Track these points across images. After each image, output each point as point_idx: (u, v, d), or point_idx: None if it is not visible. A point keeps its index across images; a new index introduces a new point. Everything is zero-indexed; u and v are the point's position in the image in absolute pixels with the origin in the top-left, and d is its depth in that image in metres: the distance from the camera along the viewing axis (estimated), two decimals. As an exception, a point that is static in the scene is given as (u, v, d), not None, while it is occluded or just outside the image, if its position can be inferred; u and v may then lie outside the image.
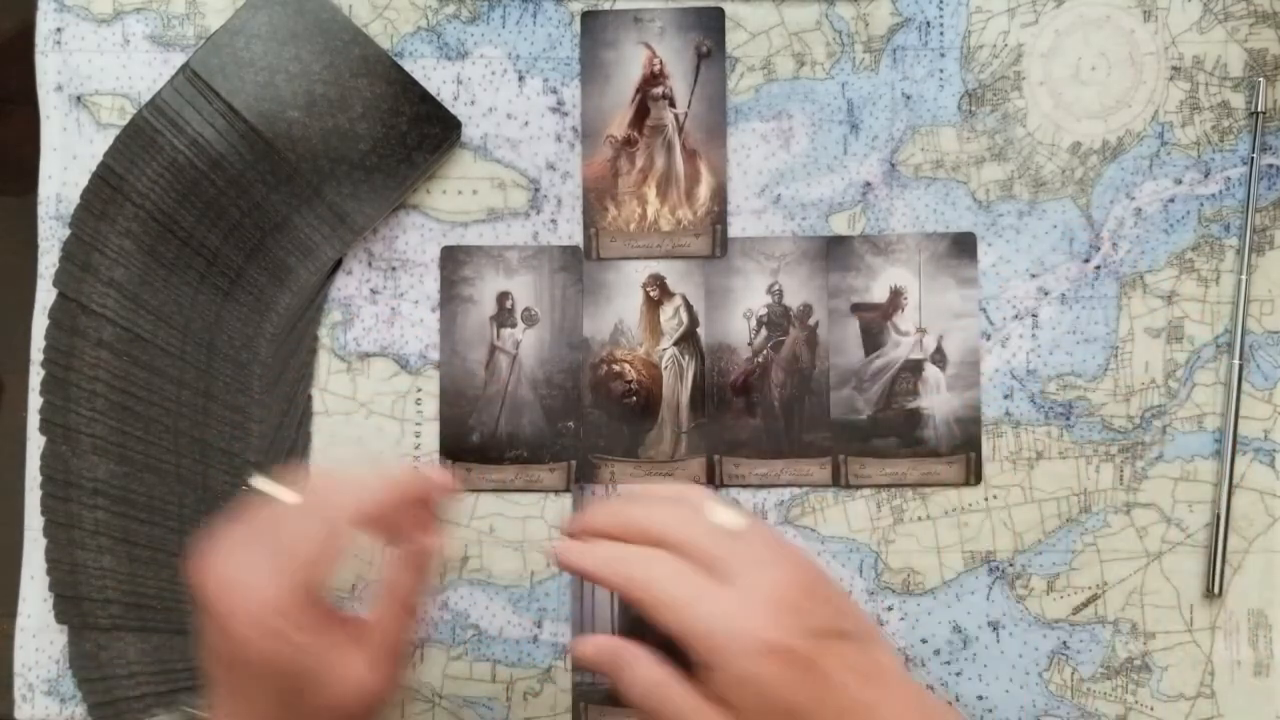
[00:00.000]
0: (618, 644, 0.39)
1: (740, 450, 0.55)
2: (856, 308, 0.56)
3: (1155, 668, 0.55)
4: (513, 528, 0.56)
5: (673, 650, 0.38)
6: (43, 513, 0.55)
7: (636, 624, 0.55)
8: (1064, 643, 0.55)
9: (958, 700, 0.55)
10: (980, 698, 0.55)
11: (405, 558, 0.43)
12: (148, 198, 0.55)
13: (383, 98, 0.55)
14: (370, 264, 0.56)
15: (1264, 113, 0.55)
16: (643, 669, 0.38)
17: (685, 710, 0.36)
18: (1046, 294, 0.55)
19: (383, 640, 0.42)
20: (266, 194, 0.55)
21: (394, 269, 0.56)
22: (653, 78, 0.56)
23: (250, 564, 0.39)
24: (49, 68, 0.56)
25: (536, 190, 0.56)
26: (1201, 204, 0.55)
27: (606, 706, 0.55)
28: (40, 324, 0.55)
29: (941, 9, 0.56)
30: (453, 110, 0.56)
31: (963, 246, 0.55)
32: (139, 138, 0.55)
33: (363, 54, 0.55)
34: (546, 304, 0.56)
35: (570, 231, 0.56)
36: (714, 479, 0.55)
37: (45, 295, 0.55)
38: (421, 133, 0.55)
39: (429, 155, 0.55)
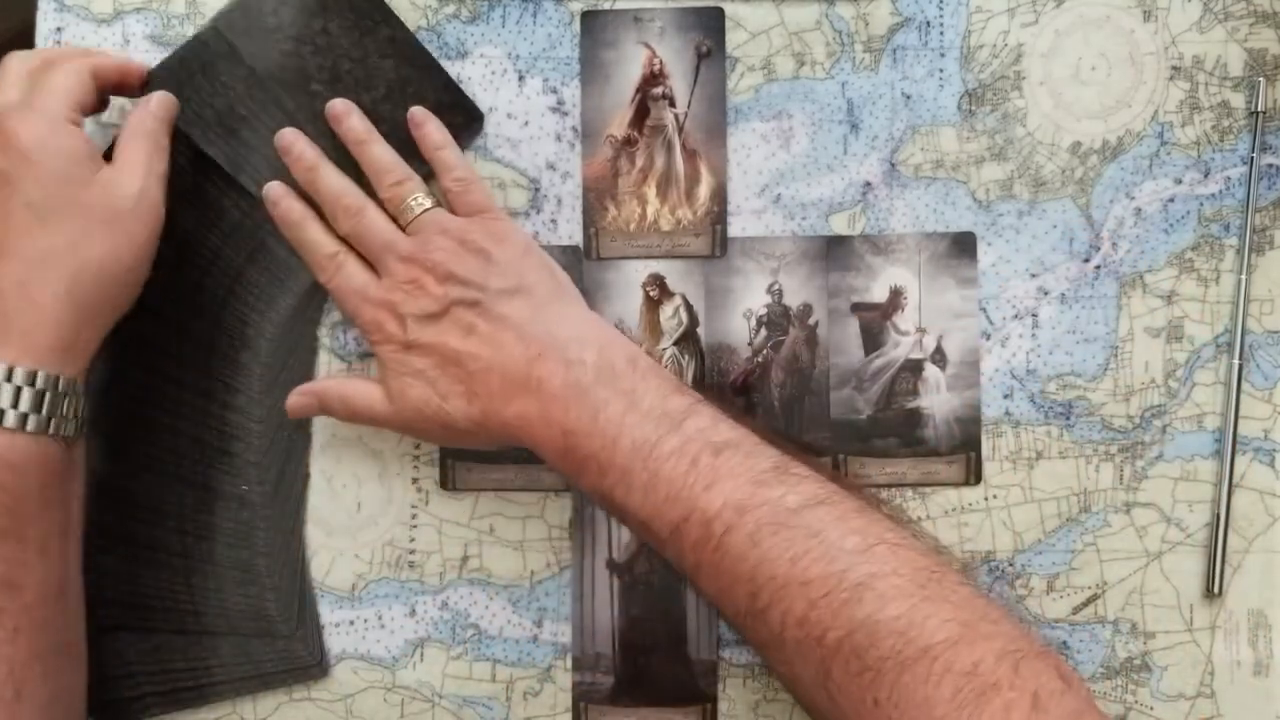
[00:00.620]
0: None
1: (740, 450, 0.55)
2: (856, 307, 0.56)
3: (1155, 667, 0.55)
4: (513, 528, 0.56)
5: None
6: (43, 512, 0.55)
7: (636, 621, 0.56)
8: (1064, 642, 0.55)
9: (958, 700, 0.55)
10: (980, 697, 0.55)
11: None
12: (148, 197, 0.55)
13: (408, 80, 0.55)
14: (370, 264, 0.56)
15: (1264, 112, 0.55)
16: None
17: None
18: (1046, 294, 0.55)
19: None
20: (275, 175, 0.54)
21: (394, 269, 0.56)
22: (653, 78, 0.56)
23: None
24: (49, 67, 0.56)
25: (536, 190, 0.56)
26: (1201, 204, 0.55)
27: (606, 706, 0.55)
28: (40, 324, 0.55)
29: (941, 9, 0.56)
30: (453, 110, 0.56)
31: (963, 246, 0.55)
32: (139, 137, 0.55)
33: (391, 35, 0.55)
34: (546, 304, 0.56)
35: (570, 231, 0.56)
36: (714, 479, 0.55)
37: (45, 295, 0.55)
38: (444, 120, 0.55)
39: None
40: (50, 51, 0.52)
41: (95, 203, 0.47)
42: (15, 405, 0.45)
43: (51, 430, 0.46)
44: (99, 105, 0.51)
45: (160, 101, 0.52)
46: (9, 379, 0.45)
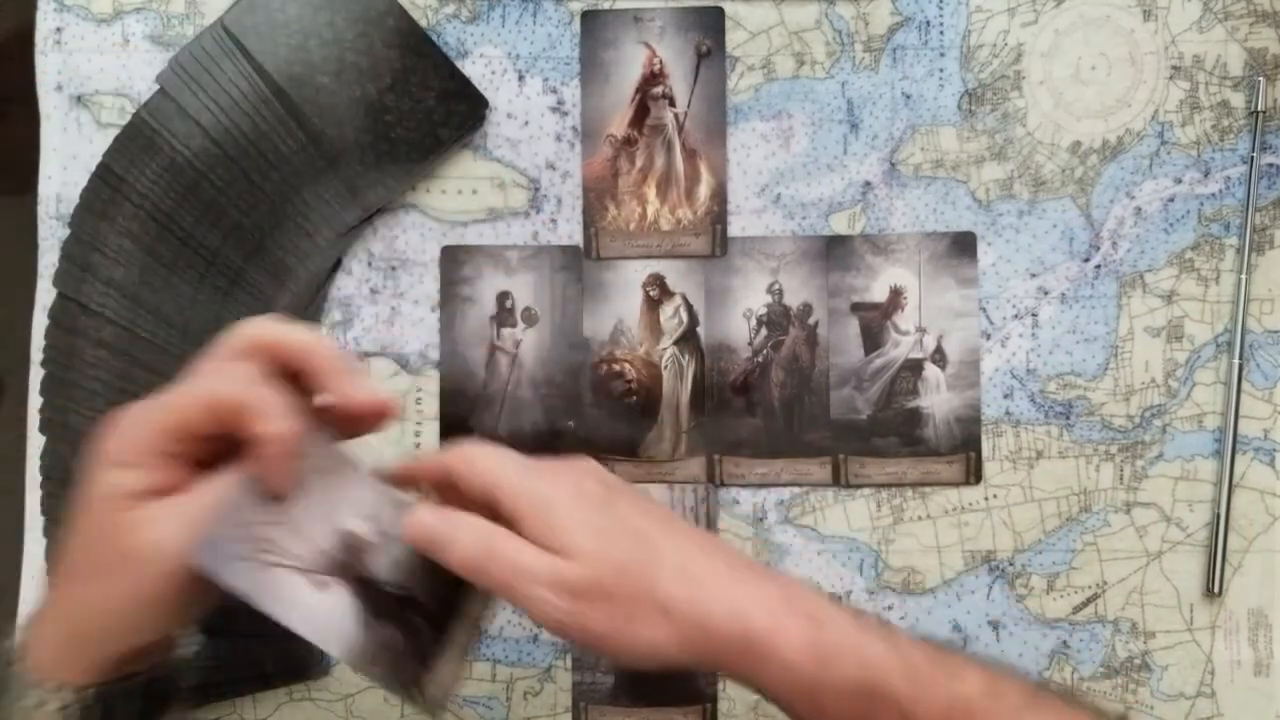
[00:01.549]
0: (443, 513, 0.40)
1: (740, 450, 0.55)
2: (856, 307, 0.56)
3: (1155, 667, 0.55)
4: (513, 527, 0.56)
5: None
6: (43, 513, 0.55)
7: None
8: (1064, 642, 0.55)
9: (958, 700, 0.55)
10: (980, 697, 0.55)
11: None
12: (147, 197, 0.55)
13: (413, 71, 0.55)
14: (370, 264, 0.56)
15: (1264, 112, 0.55)
16: (470, 524, 0.40)
17: (519, 554, 0.39)
18: (1046, 293, 0.55)
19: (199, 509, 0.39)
20: (279, 163, 0.54)
21: (394, 269, 0.56)
22: (653, 77, 0.56)
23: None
24: (49, 67, 0.56)
25: (536, 190, 0.56)
26: (1201, 203, 0.55)
27: (606, 706, 0.55)
28: (40, 324, 0.55)
29: (941, 8, 0.56)
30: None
31: (963, 246, 0.55)
32: (138, 137, 0.55)
33: (396, 25, 0.55)
34: (546, 304, 0.56)
35: (570, 231, 0.56)
36: (714, 478, 0.55)
37: (45, 295, 0.55)
38: (449, 109, 0.55)
39: (454, 132, 0.55)
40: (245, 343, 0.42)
41: (98, 538, 0.39)
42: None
43: None
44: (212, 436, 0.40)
45: (279, 447, 0.39)
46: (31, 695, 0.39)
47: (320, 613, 0.39)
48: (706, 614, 0.39)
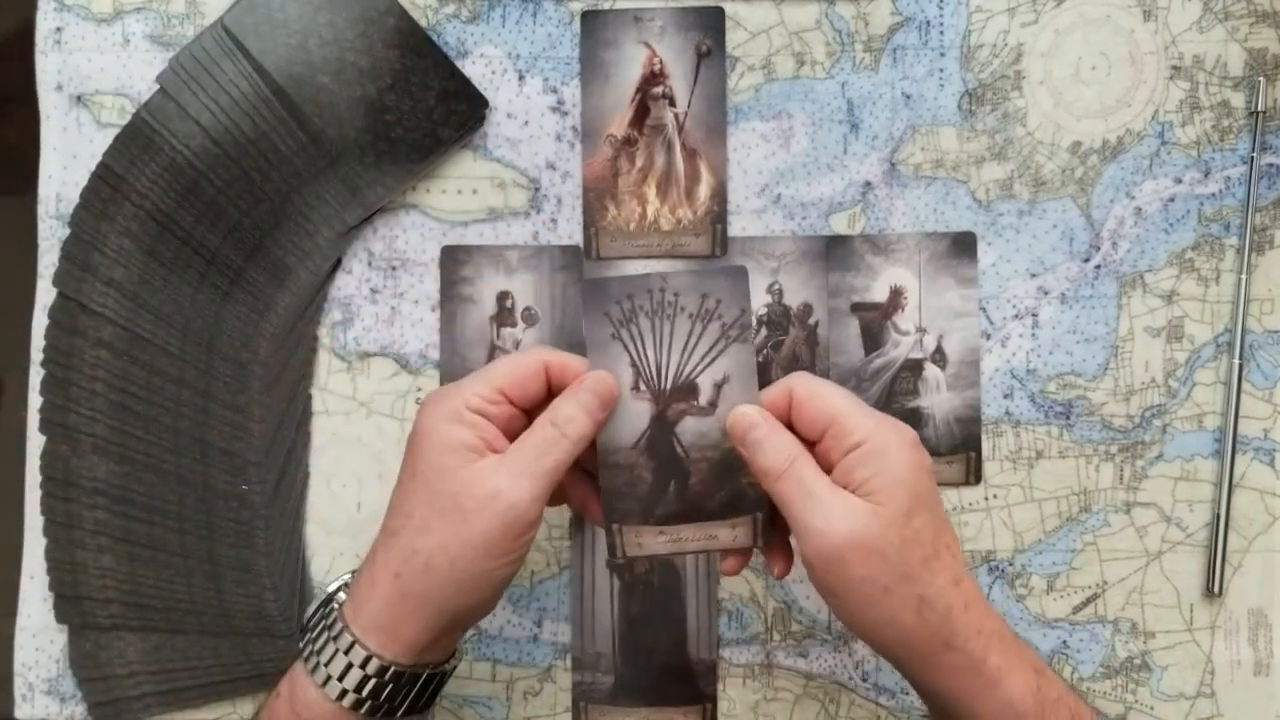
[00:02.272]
0: (760, 414, 0.44)
1: (740, 450, 0.55)
2: (856, 307, 0.56)
3: (1155, 667, 0.55)
4: (513, 527, 0.56)
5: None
6: (43, 513, 0.55)
7: (636, 621, 0.55)
8: (1064, 642, 0.55)
9: (958, 700, 0.55)
10: (980, 697, 0.55)
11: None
12: (147, 197, 0.55)
13: (413, 70, 0.55)
14: (370, 263, 0.56)
15: (1264, 112, 0.55)
16: (779, 437, 0.43)
17: (815, 481, 0.42)
18: (1046, 293, 0.55)
19: (534, 463, 0.43)
20: (279, 163, 0.54)
21: (394, 268, 0.56)
22: (653, 77, 0.56)
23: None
24: (49, 67, 0.56)
25: (536, 190, 0.56)
26: (1201, 203, 0.55)
27: (606, 706, 0.55)
28: (40, 323, 0.55)
29: (941, 8, 0.56)
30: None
31: (963, 246, 0.55)
32: (138, 137, 0.55)
33: (396, 25, 0.55)
34: (546, 304, 0.56)
35: (570, 231, 0.56)
36: (714, 478, 0.55)
37: (45, 295, 0.55)
38: (449, 109, 0.55)
39: (454, 132, 0.55)
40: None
41: (444, 493, 0.42)
42: (341, 675, 0.43)
43: (350, 705, 0.43)
44: (543, 398, 0.45)
45: (593, 390, 0.44)
46: (340, 644, 0.43)
47: (627, 401, 0.44)
48: (962, 626, 0.41)
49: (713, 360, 0.44)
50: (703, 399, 0.44)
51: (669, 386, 0.44)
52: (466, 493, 0.42)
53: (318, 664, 0.43)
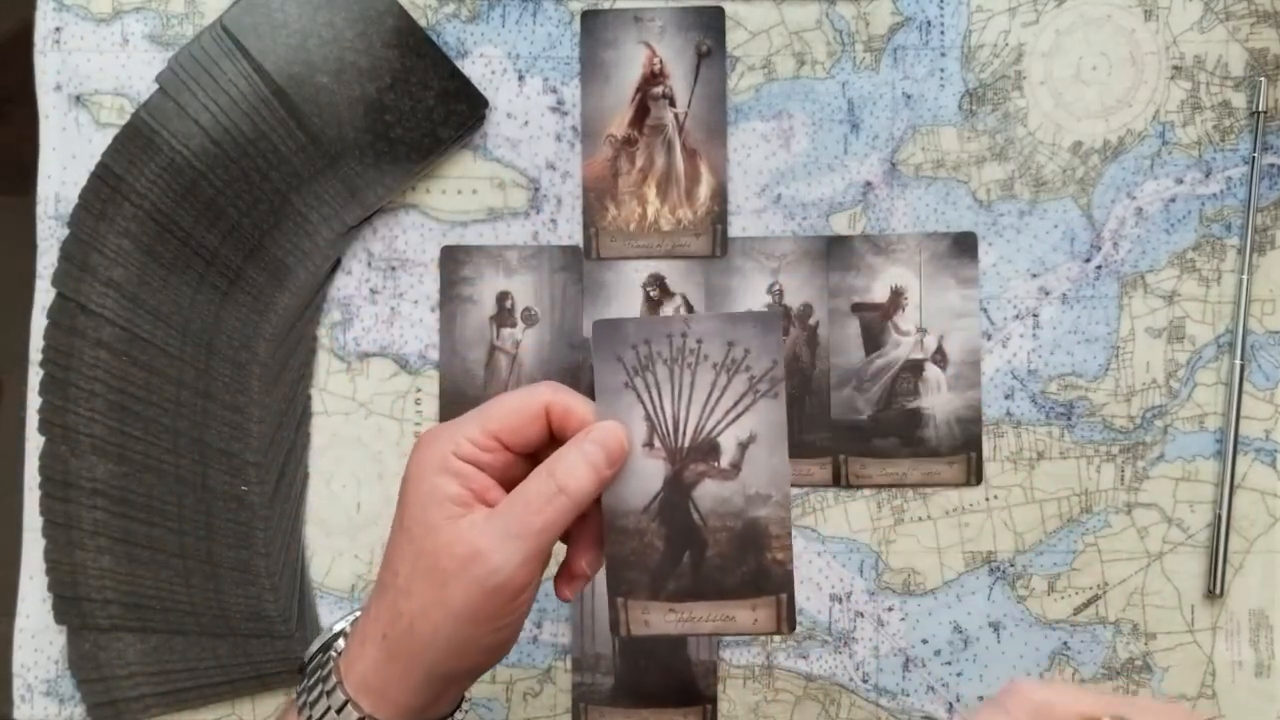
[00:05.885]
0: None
1: (740, 450, 0.55)
2: (857, 307, 0.56)
3: (1156, 668, 0.54)
4: (512, 528, 0.56)
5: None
6: (42, 513, 0.55)
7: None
8: (1065, 643, 0.55)
9: (959, 700, 0.55)
10: (981, 698, 0.54)
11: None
12: (146, 198, 0.55)
13: (412, 70, 0.55)
14: (370, 264, 0.56)
15: (1265, 112, 0.55)
16: None
17: None
18: (1047, 294, 0.55)
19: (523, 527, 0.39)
20: (278, 163, 0.54)
21: (394, 269, 0.56)
22: (653, 77, 0.56)
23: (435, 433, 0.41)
24: (48, 67, 0.56)
25: (536, 190, 0.56)
26: (1203, 204, 0.55)
27: (606, 707, 0.55)
28: (39, 324, 0.55)
29: (942, 8, 0.56)
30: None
31: (963, 246, 0.55)
32: (138, 137, 0.55)
33: (396, 25, 0.55)
34: (546, 304, 0.56)
35: (570, 231, 0.56)
36: (714, 479, 0.55)
37: (44, 295, 0.55)
38: (448, 109, 0.55)
39: (454, 132, 0.55)
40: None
41: (425, 551, 0.39)
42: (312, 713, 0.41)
43: None
44: (544, 442, 0.41)
45: (601, 443, 0.40)
46: (333, 702, 0.40)
47: (639, 459, 0.40)
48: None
49: (738, 416, 0.40)
50: (725, 460, 0.40)
51: (687, 444, 0.40)
52: (447, 553, 0.38)
53: (310, 717, 0.40)
